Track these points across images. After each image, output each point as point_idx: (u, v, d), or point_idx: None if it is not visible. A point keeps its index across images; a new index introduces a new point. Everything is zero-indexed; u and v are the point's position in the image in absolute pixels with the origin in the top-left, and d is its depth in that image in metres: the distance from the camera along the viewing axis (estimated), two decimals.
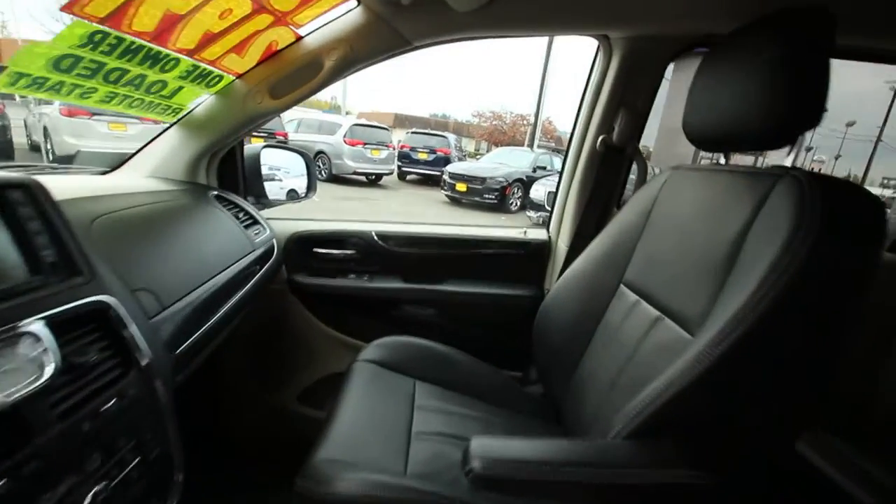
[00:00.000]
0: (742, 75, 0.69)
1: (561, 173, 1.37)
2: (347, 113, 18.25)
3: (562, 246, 1.33)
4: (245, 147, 1.29)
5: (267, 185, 1.37)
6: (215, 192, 1.13)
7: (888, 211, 0.61)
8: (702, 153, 0.93)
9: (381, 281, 1.35)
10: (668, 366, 0.64)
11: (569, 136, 1.33)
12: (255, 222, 1.15)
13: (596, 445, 0.64)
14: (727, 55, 0.75)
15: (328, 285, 1.32)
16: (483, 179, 8.22)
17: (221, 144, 1.13)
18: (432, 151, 10.78)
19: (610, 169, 1.18)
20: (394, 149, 10.21)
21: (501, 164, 8.97)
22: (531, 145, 11.66)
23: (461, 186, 8.41)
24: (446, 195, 8.76)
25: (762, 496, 0.65)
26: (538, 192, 7.04)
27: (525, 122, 22.92)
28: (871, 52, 1.08)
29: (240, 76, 1.01)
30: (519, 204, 8.43)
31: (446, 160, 10.39)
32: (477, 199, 8.25)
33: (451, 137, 11.97)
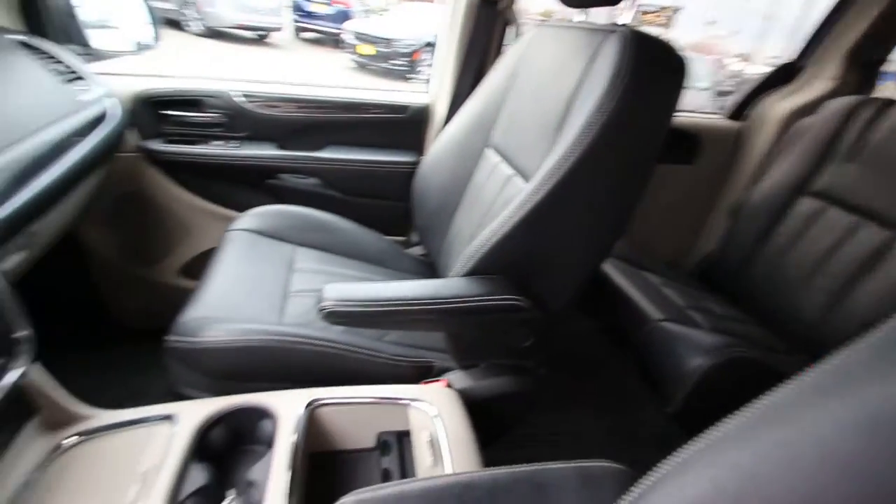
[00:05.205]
0: None
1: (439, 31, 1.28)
2: None
3: (440, 109, 1.32)
4: None
5: (101, 33, 1.13)
6: (21, 38, 0.91)
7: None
8: None
9: (253, 147, 1.26)
10: None
11: None
12: (80, 77, 0.97)
13: (434, 283, 0.74)
14: None
15: (189, 153, 1.20)
16: (389, 41, 7.18)
17: None
18: (329, 2, 9.04)
19: (483, 26, 1.13)
20: None
21: (411, 24, 7.70)
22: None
23: (367, 49, 7.29)
24: (354, 60, 7.62)
25: (568, 308, 0.81)
26: None
27: None
28: None
29: None
30: None
31: (345, 15, 8.95)
32: (384, 65, 7.26)
33: None
